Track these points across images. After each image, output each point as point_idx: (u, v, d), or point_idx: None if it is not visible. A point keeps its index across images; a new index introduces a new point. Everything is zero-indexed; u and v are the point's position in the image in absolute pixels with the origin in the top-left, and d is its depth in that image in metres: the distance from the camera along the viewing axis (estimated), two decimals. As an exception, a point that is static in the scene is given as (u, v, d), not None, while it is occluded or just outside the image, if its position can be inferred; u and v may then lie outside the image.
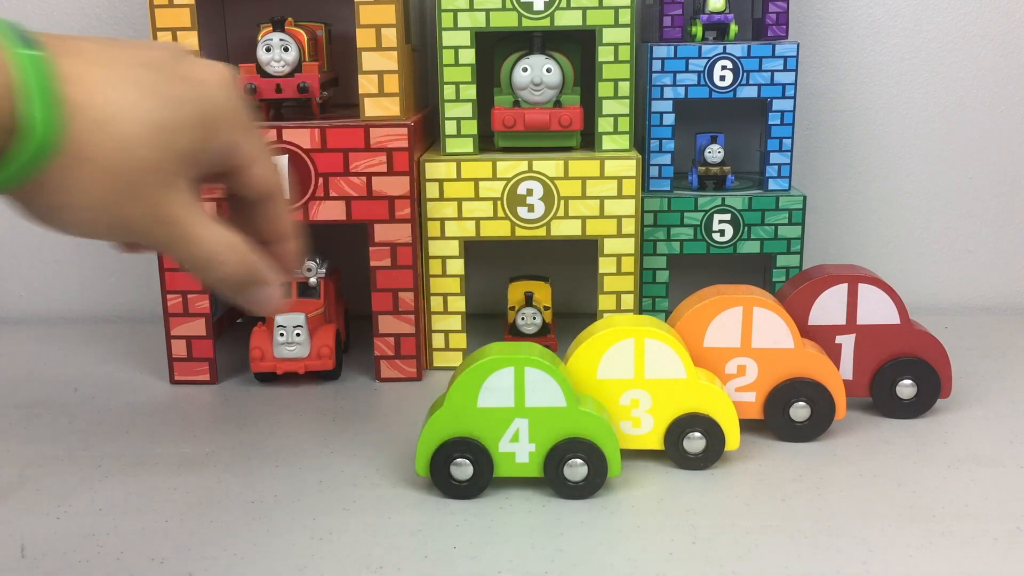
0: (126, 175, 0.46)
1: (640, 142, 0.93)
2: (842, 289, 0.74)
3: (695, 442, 0.67)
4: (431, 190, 0.85)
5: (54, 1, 1.01)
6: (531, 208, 0.85)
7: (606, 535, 0.59)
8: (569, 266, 1.03)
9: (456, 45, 0.84)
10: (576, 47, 0.89)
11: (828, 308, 0.75)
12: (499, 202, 0.85)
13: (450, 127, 0.86)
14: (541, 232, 0.86)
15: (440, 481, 0.63)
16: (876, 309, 0.74)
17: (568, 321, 0.98)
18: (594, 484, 0.63)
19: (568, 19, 0.83)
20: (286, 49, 0.83)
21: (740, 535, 0.58)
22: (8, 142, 0.43)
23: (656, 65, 0.88)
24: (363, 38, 0.81)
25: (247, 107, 0.53)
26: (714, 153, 0.92)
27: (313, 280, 0.85)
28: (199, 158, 0.50)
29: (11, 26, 0.44)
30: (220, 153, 0.52)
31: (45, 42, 0.45)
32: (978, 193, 1.04)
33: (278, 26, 0.83)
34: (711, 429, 0.67)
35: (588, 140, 0.90)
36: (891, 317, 0.74)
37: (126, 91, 0.47)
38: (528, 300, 0.89)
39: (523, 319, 0.89)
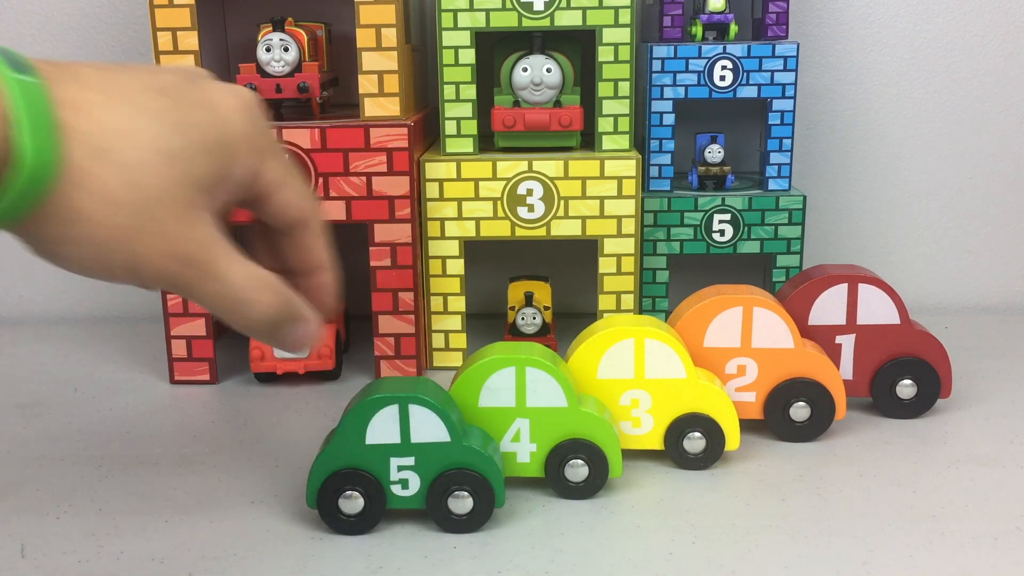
0: (134, 206, 0.43)
1: (640, 142, 0.93)
2: (842, 289, 0.74)
3: (695, 442, 0.67)
4: (431, 190, 0.85)
5: (54, 1, 1.01)
6: (531, 208, 0.85)
7: (606, 535, 0.59)
8: (569, 266, 1.03)
9: (456, 45, 0.84)
10: (576, 47, 0.89)
11: (828, 308, 0.75)
12: (499, 202, 0.85)
13: (450, 127, 0.86)
14: (541, 232, 0.86)
15: (440, 481, 0.63)
16: (876, 309, 0.74)
17: (568, 321, 0.98)
18: (595, 485, 0.63)
19: (568, 19, 0.83)
20: (286, 49, 0.83)
21: (740, 535, 0.58)
22: (3, 172, 0.40)
23: (656, 65, 0.89)
24: (363, 38, 0.81)
25: (269, 131, 0.50)
26: (714, 153, 0.92)
27: (313, 280, 0.85)
28: (218, 187, 0.46)
29: (2, 51, 0.41)
30: (242, 181, 0.48)
31: (39, 67, 0.42)
32: (978, 193, 1.04)
33: (278, 26, 0.83)
34: (711, 429, 0.67)
35: (588, 140, 0.90)
36: (891, 317, 0.74)
37: (130, 116, 0.43)
38: (528, 300, 0.89)
39: (523, 319, 0.89)
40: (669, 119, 0.90)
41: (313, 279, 0.54)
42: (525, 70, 0.84)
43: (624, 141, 0.87)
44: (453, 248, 0.87)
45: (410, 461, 0.59)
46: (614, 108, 0.86)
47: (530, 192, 0.85)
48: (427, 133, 0.94)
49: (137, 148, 0.43)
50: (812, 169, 1.04)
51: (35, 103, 0.40)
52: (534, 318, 0.89)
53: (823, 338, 0.75)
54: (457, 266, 0.87)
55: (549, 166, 0.85)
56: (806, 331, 0.74)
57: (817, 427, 0.71)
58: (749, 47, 0.88)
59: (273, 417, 0.78)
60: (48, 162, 0.40)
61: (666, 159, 0.91)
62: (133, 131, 0.43)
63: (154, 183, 0.43)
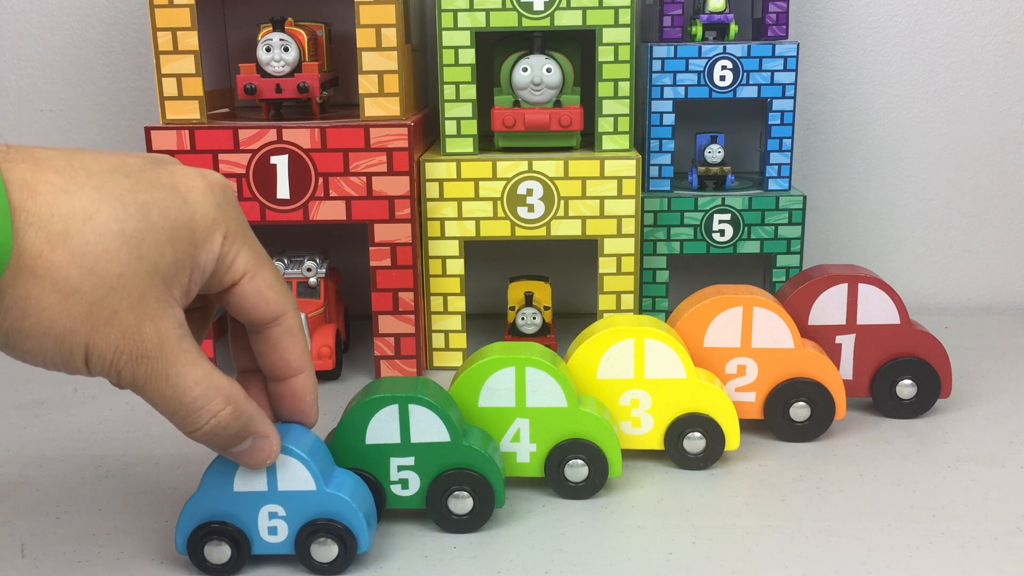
0: (92, 295, 0.40)
1: (640, 142, 0.93)
2: (842, 289, 0.74)
3: (695, 442, 0.67)
4: (431, 190, 0.85)
5: (54, 1, 1.01)
6: (531, 208, 0.85)
7: (606, 535, 0.59)
8: (569, 266, 1.03)
9: (456, 45, 0.84)
10: (576, 47, 0.89)
11: (828, 308, 0.75)
12: (499, 202, 0.85)
13: (450, 127, 0.86)
14: (541, 232, 0.86)
15: (440, 481, 0.63)
16: (876, 309, 0.74)
17: (568, 321, 0.98)
18: (595, 485, 0.63)
19: (568, 19, 0.83)
20: (286, 49, 0.83)
21: (740, 535, 0.58)
22: None
23: (656, 65, 0.89)
24: (363, 38, 0.81)
25: (241, 217, 0.47)
26: (714, 153, 0.92)
27: (313, 280, 0.85)
28: (180, 273, 0.43)
29: None
30: (206, 269, 0.44)
31: None
32: (978, 193, 1.04)
33: (278, 26, 0.83)
34: (711, 429, 0.67)
35: (588, 140, 0.90)
36: (891, 317, 0.74)
37: (89, 199, 0.40)
38: (528, 300, 0.89)
39: (523, 319, 0.89)
40: (669, 119, 0.90)
41: (287, 385, 0.50)
42: (525, 70, 0.84)
43: (624, 141, 0.87)
44: (453, 248, 0.87)
45: (410, 461, 0.59)
46: (614, 108, 0.86)
47: (530, 192, 0.85)
48: (427, 133, 0.94)
49: (96, 232, 0.40)
50: (812, 169, 1.04)
51: None
52: (534, 318, 0.89)
53: (823, 338, 0.75)
54: (457, 266, 0.87)
55: (549, 166, 0.85)
56: (806, 331, 0.74)
57: (817, 427, 0.71)
58: (749, 47, 0.88)
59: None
60: None
61: (666, 159, 0.91)
62: (93, 214, 0.40)
63: (113, 270, 0.40)
